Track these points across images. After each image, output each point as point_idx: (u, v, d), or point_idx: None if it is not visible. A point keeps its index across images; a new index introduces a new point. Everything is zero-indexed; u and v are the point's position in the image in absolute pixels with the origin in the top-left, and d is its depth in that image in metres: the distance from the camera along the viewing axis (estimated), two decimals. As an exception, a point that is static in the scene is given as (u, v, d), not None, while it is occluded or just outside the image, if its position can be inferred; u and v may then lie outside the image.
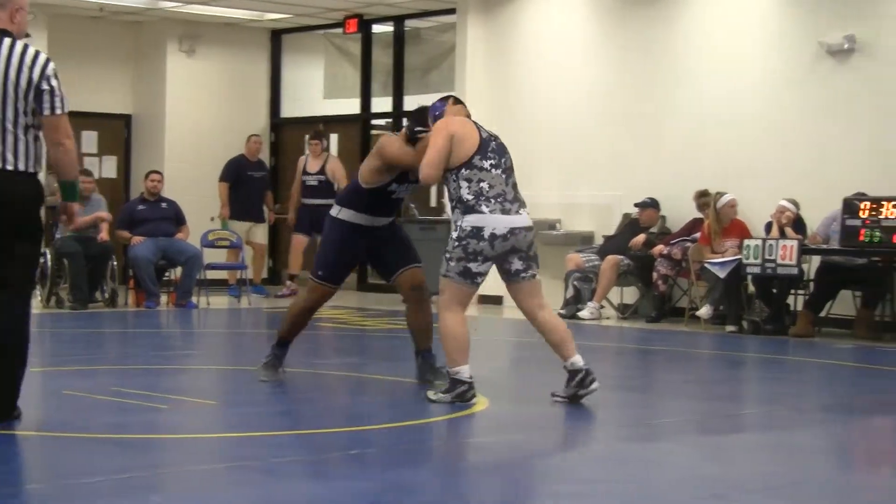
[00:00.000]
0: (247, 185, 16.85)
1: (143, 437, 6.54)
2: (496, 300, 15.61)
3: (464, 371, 7.50)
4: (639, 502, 5.38)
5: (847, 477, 6.22)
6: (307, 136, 17.31)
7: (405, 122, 8.23)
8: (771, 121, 13.93)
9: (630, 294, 14.92)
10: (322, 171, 16.74)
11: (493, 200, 7.47)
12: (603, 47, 15.50)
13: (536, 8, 16.17)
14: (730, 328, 13.01)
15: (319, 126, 18.80)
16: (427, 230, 16.20)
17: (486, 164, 7.53)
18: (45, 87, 6.43)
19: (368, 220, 8.18)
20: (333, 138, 19.19)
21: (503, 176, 7.58)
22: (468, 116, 7.89)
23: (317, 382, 8.91)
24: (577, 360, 7.66)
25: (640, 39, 15.10)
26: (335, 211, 8.25)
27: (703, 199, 13.87)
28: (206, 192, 17.97)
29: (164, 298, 14.96)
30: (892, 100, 13.08)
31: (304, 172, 16.83)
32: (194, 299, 14.91)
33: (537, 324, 7.72)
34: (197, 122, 18.57)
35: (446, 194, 7.90)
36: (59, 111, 6.46)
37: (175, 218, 15.23)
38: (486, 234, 7.43)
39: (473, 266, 7.46)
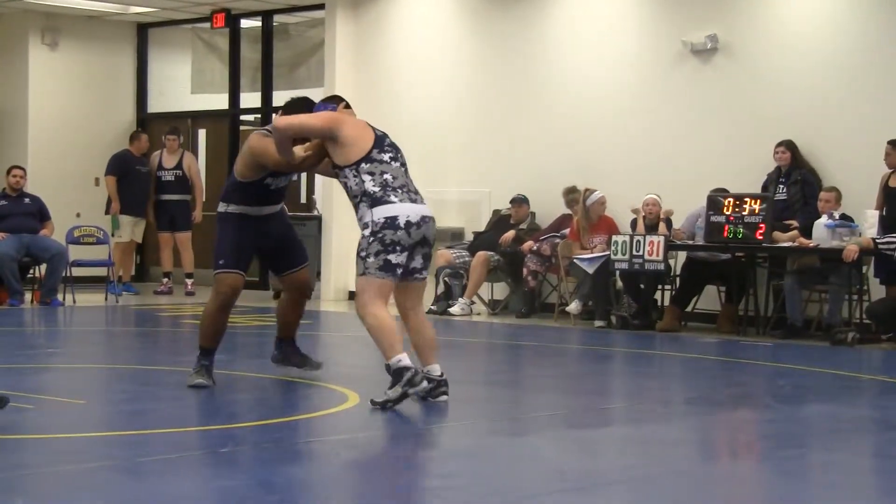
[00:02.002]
0: (135, 181, 16.56)
1: (7, 437, 6.41)
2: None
3: (404, 358, 7.31)
4: (502, 496, 5.42)
5: (707, 468, 6.34)
6: (165, 132, 17.11)
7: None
8: (637, 119, 14.13)
9: (500, 290, 15.02)
10: (178, 167, 16.62)
11: (399, 190, 7.47)
12: (471, 45, 15.58)
13: (405, 4, 16.19)
14: (598, 323, 13.17)
15: (188, 121, 18.72)
16: (296, 226, 16.06)
17: (386, 157, 7.53)
18: None
19: (254, 211, 8.19)
20: (201, 134, 19.04)
21: (402, 169, 7.61)
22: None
23: (185, 380, 8.81)
24: (435, 368, 7.67)
25: (508, 38, 15.20)
26: (222, 207, 8.23)
27: (572, 195, 14.01)
28: (71, 188, 17.73)
29: (28, 296, 14.70)
30: (752, 99, 13.34)
31: (160, 168, 16.67)
32: (59, 297, 14.68)
33: (408, 325, 7.69)
34: (61, 116, 18.25)
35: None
36: None
37: (39, 214, 14.97)
38: (402, 222, 7.39)
39: (393, 257, 7.39)
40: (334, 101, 7.95)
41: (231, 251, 8.12)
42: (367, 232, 7.43)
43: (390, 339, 7.35)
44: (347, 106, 7.96)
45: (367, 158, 7.48)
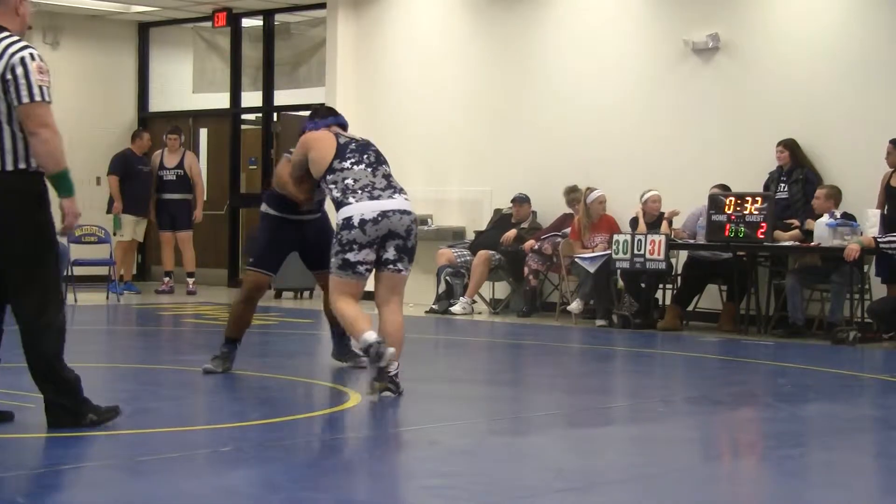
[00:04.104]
0: (137, 180, 16.56)
1: (7, 436, 6.42)
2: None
3: (368, 335, 7.52)
4: (503, 495, 5.42)
5: (707, 467, 6.34)
6: (166, 132, 17.15)
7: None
8: (638, 118, 14.13)
9: (501, 289, 15.02)
10: (180, 166, 16.63)
11: (359, 192, 7.73)
12: (472, 44, 15.58)
13: (406, 4, 16.20)
14: (600, 322, 13.17)
15: (189, 121, 18.75)
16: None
17: (347, 163, 7.84)
18: (8, 76, 6.25)
19: (291, 215, 8.70)
20: (203, 133, 19.05)
21: (368, 170, 7.85)
22: (343, 127, 8.28)
23: (186, 379, 8.83)
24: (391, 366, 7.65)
25: (509, 36, 15.20)
26: (264, 207, 8.85)
27: (573, 194, 14.02)
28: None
29: (29, 295, 14.66)
30: (753, 98, 13.34)
31: (161, 167, 16.68)
32: (61, 296, 14.65)
33: (379, 314, 7.88)
34: (62, 116, 17.88)
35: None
36: (25, 100, 6.28)
37: (40, 213, 14.93)
38: (356, 221, 7.64)
39: (350, 256, 7.66)
40: (322, 116, 8.38)
41: (262, 251, 8.74)
42: (334, 235, 7.83)
43: (353, 320, 7.66)
44: (333, 114, 8.41)
45: (329, 170, 7.86)
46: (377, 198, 7.70)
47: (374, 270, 7.84)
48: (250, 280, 8.72)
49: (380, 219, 7.65)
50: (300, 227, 8.74)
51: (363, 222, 7.63)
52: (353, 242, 7.64)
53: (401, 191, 7.85)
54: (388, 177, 7.88)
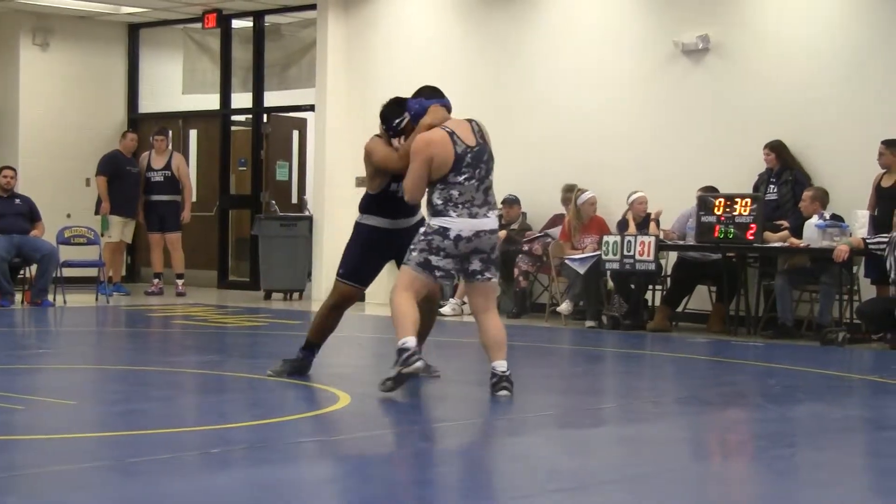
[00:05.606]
0: (125, 181, 16.54)
1: (-3, 438, 6.42)
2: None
3: (409, 341, 7.69)
4: (494, 496, 5.42)
5: (699, 468, 6.35)
6: (152, 133, 17.15)
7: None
8: (628, 119, 14.14)
9: (491, 290, 15.00)
10: (167, 167, 16.63)
11: (461, 206, 7.89)
12: (463, 45, 15.59)
13: (396, 5, 16.20)
14: (589, 323, 13.18)
15: (179, 122, 18.74)
16: (287, 226, 16.17)
17: (460, 178, 7.92)
18: None
19: (389, 224, 8.46)
20: (192, 134, 19.04)
21: (475, 184, 7.96)
22: (448, 109, 8.33)
23: (176, 381, 8.82)
24: (500, 364, 7.98)
25: (500, 37, 15.21)
26: (359, 217, 8.54)
27: (570, 193, 14.01)
28: (62, 188, 17.72)
29: (18, 297, 14.67)
30: (743, 99, 13.37)
31: (149, 168, 16.68)
32: (50, 297, 14.65)
33: (478, 325, 8.08)
34: (52, 117, 18.23)
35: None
36: None
37: (30, 214, 14.94)
38: (452, 234, 7.83)
39: (434, 259, 7.84)
40: (427, 96, 8.39)
41: (353, 263, 8.50)
42: (422, 230, 7.95)
43: (403, 323, 7.76)
44: (436, 93, 8.45)
45: (443, 180, 7.92)
46: (475, 216, 7.87)
47: (462, 280, 8.07)
48: (341, 292, 8.50)
49: (473, 238, 7.86)
50: (397, 237, 8.39)
51: (458, 238, 7.82)
52: (441, 250, 7.82)
53: (493, 206, 8.02)
54: (487, 191, 7.99)
